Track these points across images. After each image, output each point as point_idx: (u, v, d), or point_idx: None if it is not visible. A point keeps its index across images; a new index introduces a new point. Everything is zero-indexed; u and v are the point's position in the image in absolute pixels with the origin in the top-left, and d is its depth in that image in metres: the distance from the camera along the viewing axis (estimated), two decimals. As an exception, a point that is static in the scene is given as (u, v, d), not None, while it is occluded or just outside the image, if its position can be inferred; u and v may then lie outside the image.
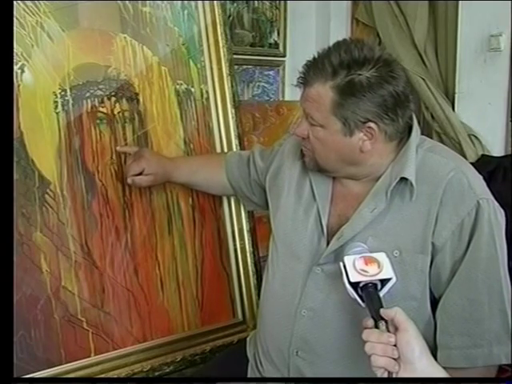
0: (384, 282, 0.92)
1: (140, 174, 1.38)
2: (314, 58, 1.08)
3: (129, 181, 1.38)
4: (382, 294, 0.92)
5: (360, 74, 1.02)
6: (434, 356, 1.03)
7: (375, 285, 0.92)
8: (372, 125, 1.05)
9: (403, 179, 1.07)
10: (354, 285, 0.93)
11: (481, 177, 1.11)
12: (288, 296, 1.17)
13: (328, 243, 1.12)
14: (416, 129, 1.13)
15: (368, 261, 0.93)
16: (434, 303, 1.09)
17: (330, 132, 1.08)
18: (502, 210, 1.08)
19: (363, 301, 0.92)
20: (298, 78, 1.10)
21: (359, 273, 0.92)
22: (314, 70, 1.06)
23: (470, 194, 1.05)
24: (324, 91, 1.05)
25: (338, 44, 1.07)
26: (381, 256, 0.94)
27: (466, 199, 1.05)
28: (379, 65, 1.03)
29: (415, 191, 1.06)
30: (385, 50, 1.11)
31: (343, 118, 1.05)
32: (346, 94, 1.03)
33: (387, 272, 0.92)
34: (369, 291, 0.91)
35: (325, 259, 1.11)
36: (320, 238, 1.14)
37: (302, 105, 1.12)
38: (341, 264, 0.96)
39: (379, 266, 0.92)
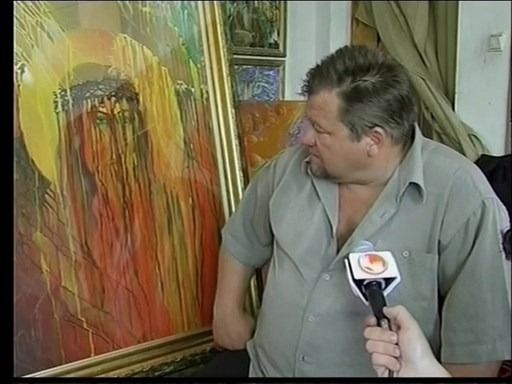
0: (388, 280, 0.92)
1: None
2: (318, 66, 1.08)
3: None
4: (386, 293, 0.91)
5: (365, 80, 1.03)
6: (440, 353, 1.06)
7: (379, 283, 0.92)
8: (379, 129, 1.05)
9: (411, 183, 1.07)
10: (358, 282, 0.92)
11: (484, 176, 1.12)
12: (294, 302, 1.16)
13: (338, 249, 1.12)
14: (418, 131, 1.14)
15: (373, 259, 0.93)
16: (440, 301, 1.10)
17: (337, 138, 1.08)
18: (504, 208, 1.09)
19: (366, 299, 0.92)
20: (303, 87, 1.10)
21: (364, 270, 0.92)
22: (318, 77, 1.06)
23: (475, 194, 1.06)
24: (330, 98, 1.05)
25: (341, 51, 1.07)
26: (386, 255, 0.94)
27: (471, 199, 1.06)
28: (383, 70, 1.04)
29: (425, 195, 1.07)
30: (387, 55, 1.11)
31: (350, 124, 1.05)
32: (352, 100, 1.04)
33: (392, 271, 0.92)
34: (372, 289, 0.91)
35: (334, 265, 1.11)
36: (329, 245, 1.14)
37: (307, 113, 1.11)
38: (346, 261, 0.95)
39: (384, 265, 0.92)
